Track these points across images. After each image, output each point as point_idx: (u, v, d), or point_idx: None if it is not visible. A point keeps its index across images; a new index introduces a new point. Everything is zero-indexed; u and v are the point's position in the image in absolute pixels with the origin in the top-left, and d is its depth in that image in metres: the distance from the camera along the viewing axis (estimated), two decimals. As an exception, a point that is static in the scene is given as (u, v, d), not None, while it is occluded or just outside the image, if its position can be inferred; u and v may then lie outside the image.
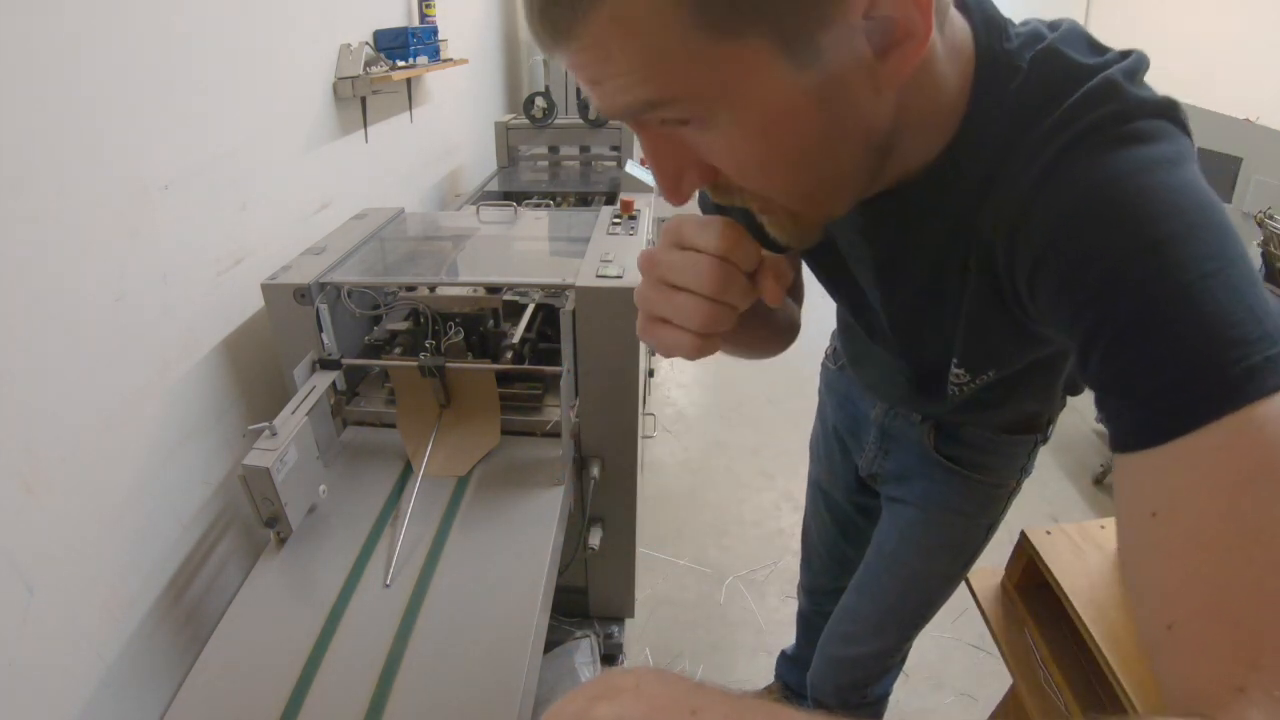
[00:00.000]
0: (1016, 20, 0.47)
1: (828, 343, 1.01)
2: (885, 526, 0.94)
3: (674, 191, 0.41)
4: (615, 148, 2.49)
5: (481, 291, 1.26)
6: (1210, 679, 0.29)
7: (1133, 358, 0.35)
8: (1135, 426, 0.35)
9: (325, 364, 1.14)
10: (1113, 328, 0.36)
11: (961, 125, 0.44)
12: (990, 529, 0.88)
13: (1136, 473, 0.35)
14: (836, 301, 0.72)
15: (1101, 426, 2.39)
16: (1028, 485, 0.85)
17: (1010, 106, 0.43)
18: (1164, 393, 0.33)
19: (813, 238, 0.46)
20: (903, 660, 1.10)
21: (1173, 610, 0.31)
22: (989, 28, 0.44)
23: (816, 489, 1.13)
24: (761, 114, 0.36)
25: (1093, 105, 0.40)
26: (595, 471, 1.24)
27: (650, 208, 1.69)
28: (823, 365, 1.04)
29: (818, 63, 0.35)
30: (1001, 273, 0.45)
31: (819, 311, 0.82)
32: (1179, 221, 0.35)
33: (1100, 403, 0.37)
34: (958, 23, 0.43)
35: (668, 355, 0.47)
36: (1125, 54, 0.43)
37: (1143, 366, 0.34)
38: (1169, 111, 0.40)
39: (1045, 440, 0.82)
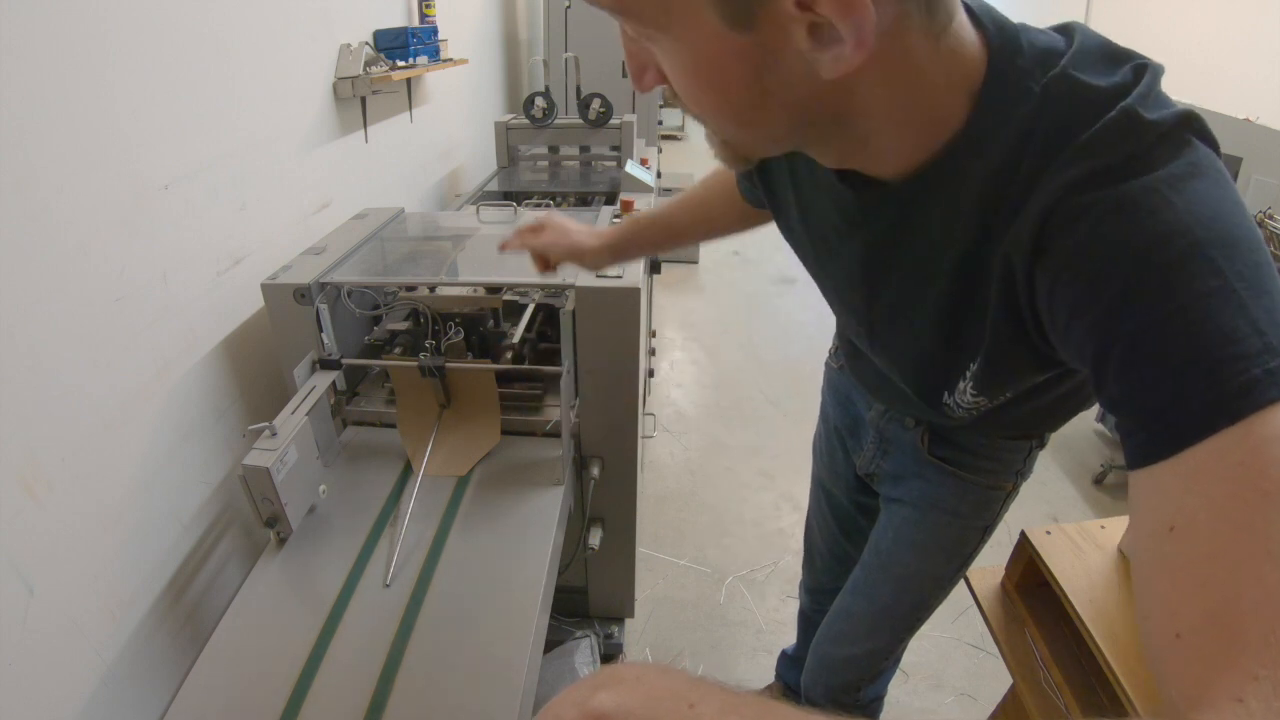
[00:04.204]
0: (1020, 21, 0.47)
1: (830, 342, 1.01)
2: (882, 526, 0.94)
3: (638, 82, 0.48)
4: (615, 148, 2.48)
5: (481, 291, 1.26)
6: (1211, 687, 0.30)
7: (1137, 379, 0.37)
8: (1143, 443, 0.36)
9: (325, 364, 1.14)
10: (1119, 352, 0.37)
11: (960, 134, 0.45)
12: (986, 531, 0.88)
13: (1150, 488, 0.36)
14: (825, 293, 0.73)
15: (1101, 426, 2.39)
16: (1027, 485, 0.85)
17: (1019, 130, 0.43)
18: (1165, 410, 0.35)
19: (739, 165, 0.53)
20: (896, 663, 1.09)
21: (1180, 621, 0.32)
22: (1002, 39, 0.45)
23: (819, 488, 1.13)
24: (692, 54, 0.41)
25: (1110, 143, 0.40)
26: (595, 471, 1.24)
27: (650, 207, 1.69)
28: (825, 364, 1.04)
29: (751, 30, 0.38)
30: (1023, 304, 0.47)
31: (820, 310, 0.82)
32: (1183, 240, 0.36)
33: (1116, 425, 0.39)
34: (964, 32, 0.44)
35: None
36: (1140, 69, 0.43)
37: (1146, 387, 0.36)
38: (1187, 124, 0.41)
39: (1042, 445, 0.82)
